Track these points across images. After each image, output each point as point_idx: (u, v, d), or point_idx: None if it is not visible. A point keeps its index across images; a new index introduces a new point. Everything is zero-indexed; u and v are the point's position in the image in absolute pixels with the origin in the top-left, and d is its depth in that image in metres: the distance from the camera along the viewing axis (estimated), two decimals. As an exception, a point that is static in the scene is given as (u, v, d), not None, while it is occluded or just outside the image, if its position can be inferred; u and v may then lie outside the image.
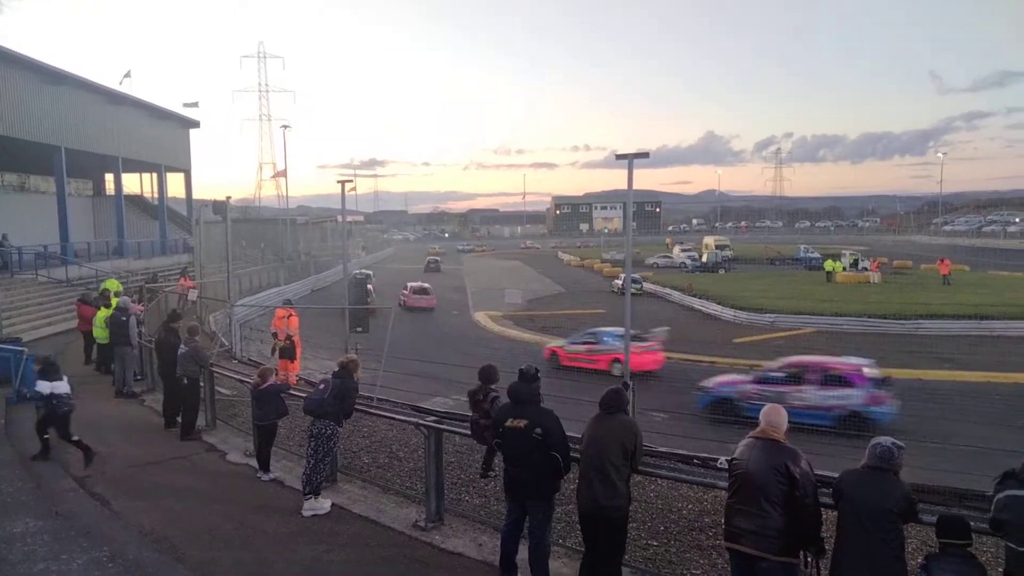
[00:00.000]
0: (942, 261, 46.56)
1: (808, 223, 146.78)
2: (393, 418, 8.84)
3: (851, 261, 49.94)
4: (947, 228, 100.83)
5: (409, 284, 42.01)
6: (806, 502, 4.33)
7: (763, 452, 4.47)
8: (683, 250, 71.26)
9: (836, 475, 4.53)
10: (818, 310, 32.00)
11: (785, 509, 4.32)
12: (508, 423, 5.65)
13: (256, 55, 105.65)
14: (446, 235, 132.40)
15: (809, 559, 4.42)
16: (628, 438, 5.23)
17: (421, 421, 7.63)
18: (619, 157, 11.10)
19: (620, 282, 42.76)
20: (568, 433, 5.71)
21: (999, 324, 28.27)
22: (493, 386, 6.71)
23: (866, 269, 48.32)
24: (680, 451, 8.31)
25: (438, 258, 71.94)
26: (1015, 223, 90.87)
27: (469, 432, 6.90)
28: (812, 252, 64.39)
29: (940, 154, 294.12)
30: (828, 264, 48.38)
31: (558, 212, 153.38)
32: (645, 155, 11.04)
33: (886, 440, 4.21)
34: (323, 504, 7.42)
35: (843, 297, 36.30)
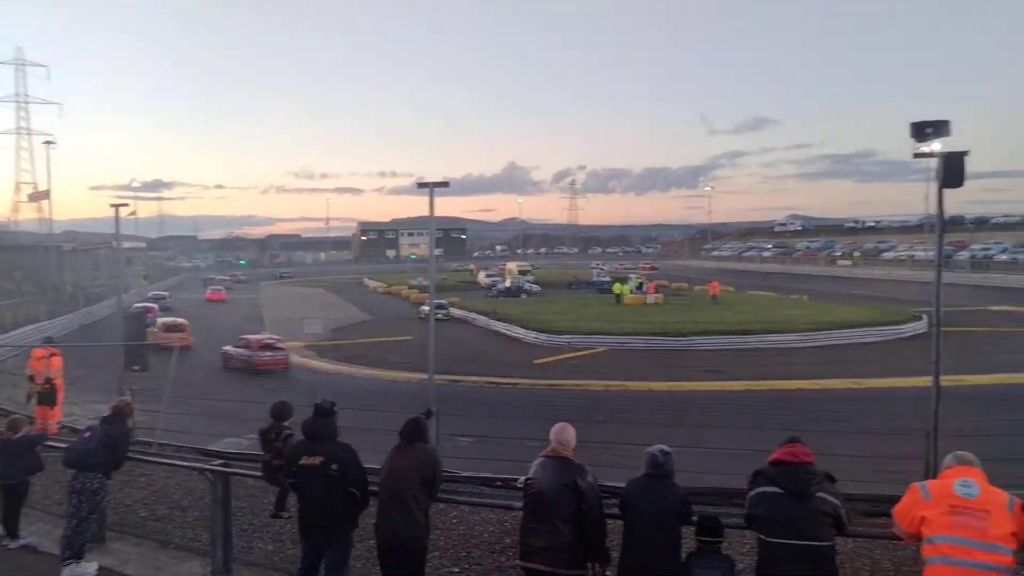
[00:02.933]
0: (711, 283, 52.34)
1: (600, 249, 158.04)
2: (174, 464, 8.05)
3: (636, 284, 54.41)
4: (715, 254, 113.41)
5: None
6: (592, 515, 4.58)
7: (554, 470, 4.66)
8: (488, 275, 73.33)
9: (623, 485, 4.85)
10: (609, 330, 34.36)
11: (575, 524, 4.53)
12: (302, 461, 5.38)
13: (13, 62, 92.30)
14: (242, 262, 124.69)
15: (596, 568, 4.67)
16: (427, 467, 5.21)
17: (206, 465, 7.02)
18: (420, 186, 11.21)
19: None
20: (368, 465, 5.56)
21: (756, 338, 32.21)
22: (287, 423, 6.37)
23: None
24: (483, 474, 8.44)
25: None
26: (769, 249, 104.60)
27: (261, 474, 6.48)
28: (604, 276, 69.29)
29: (708, 188, 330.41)
30: (616, 287, 52.37)
31: (364, 238, 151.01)
32: (445, 184, 11.25)
33: (654, 448, 4.59)
34: (87, 569, 6.53)
35: (630, 318, 39.30)
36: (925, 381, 10.51)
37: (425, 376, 13.76)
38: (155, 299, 49.46)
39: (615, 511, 4.77)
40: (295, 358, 31.73)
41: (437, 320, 39.33)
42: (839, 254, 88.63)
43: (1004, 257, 65.29)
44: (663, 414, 19.26)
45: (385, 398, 20.75)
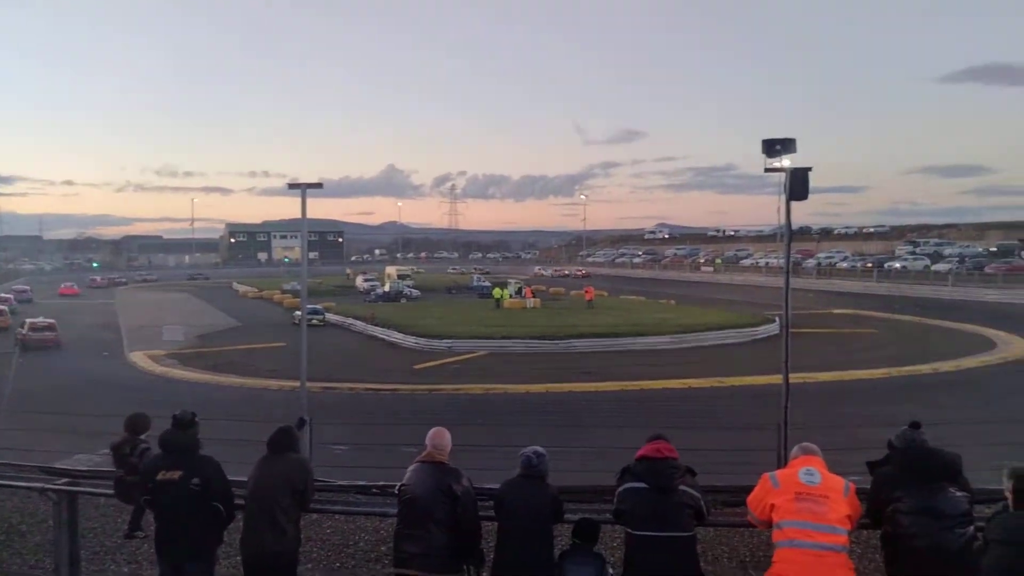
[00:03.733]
0: (587, 289, 54.03)
1: (480, 254, 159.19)
2: (10, 485, 7.29)
3: (516, 289, 55.23)
4: (590, 259, 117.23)
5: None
6: (468, 518, 4.60)
7: (429, 475, 4.64)
8: (366, 279, 71.90)
9: (498, 487, 4.90)
10: (489, 334, 34.64)
11: (449, 528, 4.53)
12: (160, 476, 5.04)
13: None
14: (95, 264, 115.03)
15: (471, 570, 4.70)
16: (298, 478, 5.03)
17: (48, 485, 6.42)
18: (292, 186, 10.83)
19: (301, 313, 41.53)
20: (235, 478, 5.29)
21: (628, 340, 33.56)
22: (143, 436, 5.94)
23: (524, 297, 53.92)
24: (360, 482, 8.25)
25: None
26: (639, 255, 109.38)
27: (113, 491, 6.00)
28: (484, 281, 69.83)
29: (583, 196, 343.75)
30: (496, 292, 52.94)
31: (233, 240, 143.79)
32: (319, 186, 10.93)
33: (528, 450, 4.69)
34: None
35: (510, 322, 39.79)
36: (777, 379, 11.36)
37: (298, 384, 13.26)
38: (13, 291, 47.53)
39: (491, 513, 4.82)
40: (156, 368, 29.74)
41: (312, 326, 38.50)
42: (703, 261, 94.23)
43: (845, 265, 72.06)
44: (541, 415, 19.67)
45: (255, 408, 19.85)
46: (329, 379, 24.14)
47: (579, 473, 9.04)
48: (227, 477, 5.22)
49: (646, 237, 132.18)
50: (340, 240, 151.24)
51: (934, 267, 62.70)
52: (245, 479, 5.26)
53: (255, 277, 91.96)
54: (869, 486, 4.37)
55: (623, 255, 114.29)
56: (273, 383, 25.41)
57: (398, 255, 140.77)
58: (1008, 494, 3.80)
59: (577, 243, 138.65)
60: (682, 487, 4.25)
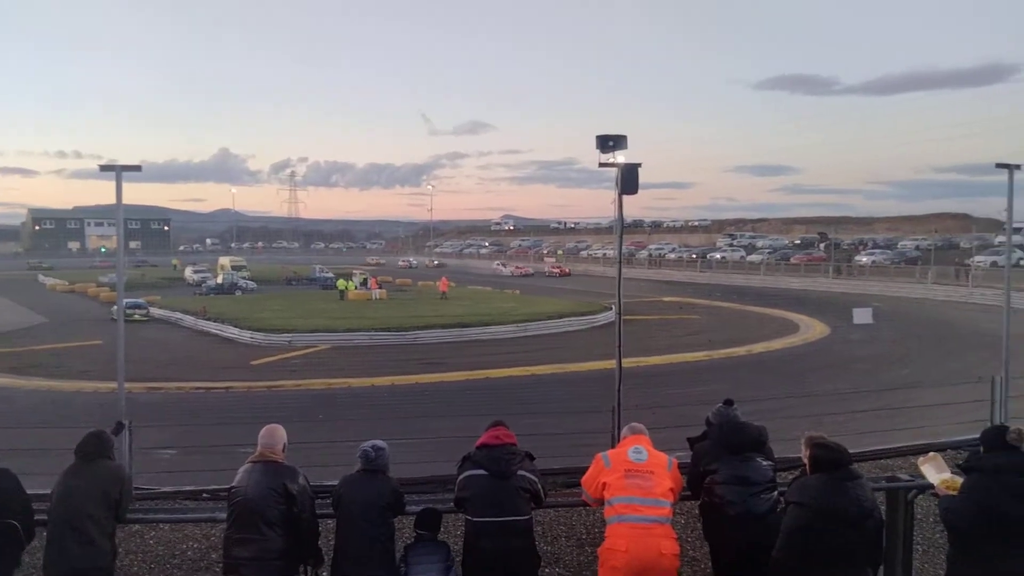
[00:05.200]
0: (442, 280, 53.95)
1: (323, 244, 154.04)
2: None
3: (361, 280, 54.05)
4: (437, 250, 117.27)
5: None
6: (303, 517, 4.43)
7: (261, 475, 4.42)
8: (196, 271, 67.18)
9: (336, 483, 4.76)
10: (332, 327, 33.65)
11: (285, 529, 4.34)
12: (-60, 495, 4.40)
13: None
14: None
15: (309, 571, 4.54)
16: (112, 486, 4.59)
17: None
18: (104, 169, 9.83)
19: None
20: (38, 491, 4.74)
21: (475, 331, 33.97)
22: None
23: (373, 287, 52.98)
24: (188, 487, 7.71)
25: None
26: (486, 246, 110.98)
27: None
28: (327, 272, 67.63)
29: (430, 186, 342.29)
30: (340, 283, 51.51)
31: (38, 227, 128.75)
32: (136, 168, 9.96)
33: (366, 444, 4.61)
34: None
35: (355, 314, 38.88)
36: (613, 363, 11.98)
37: (115, 385, 12.12)
38: None
39: (329, 510, 4.68)
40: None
41: (134, 321, 35.59)
42: (546, 252, 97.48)
43: (673, 256, 77.72)
44: (385, 408, 19.43)
45: (65, 413, 17.95)
46: (153, 379, 22.36)
47: (423, 464, 9.05)
48: (26, 491, 4.67)
49: (492, 228, 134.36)
50: (166, 228, 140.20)
51: (749, 258, 69.39)
52: (49, 492, 4.74)
53: (67, 269, 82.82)
54: (689, 460, 4.74)
55: (470, 246, 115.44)
56: (87, 385, 23.12)
57: (232, 245, 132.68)
58: (805, 461, 4.26)
59: (424, 233, 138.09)
60: (520, 472, 4.36)
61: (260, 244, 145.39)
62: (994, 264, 47.40)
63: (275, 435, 4.60)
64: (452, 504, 4.62)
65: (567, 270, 76.59)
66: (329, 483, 5.17)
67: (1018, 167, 11.33)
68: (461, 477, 4.42)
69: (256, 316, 36.41)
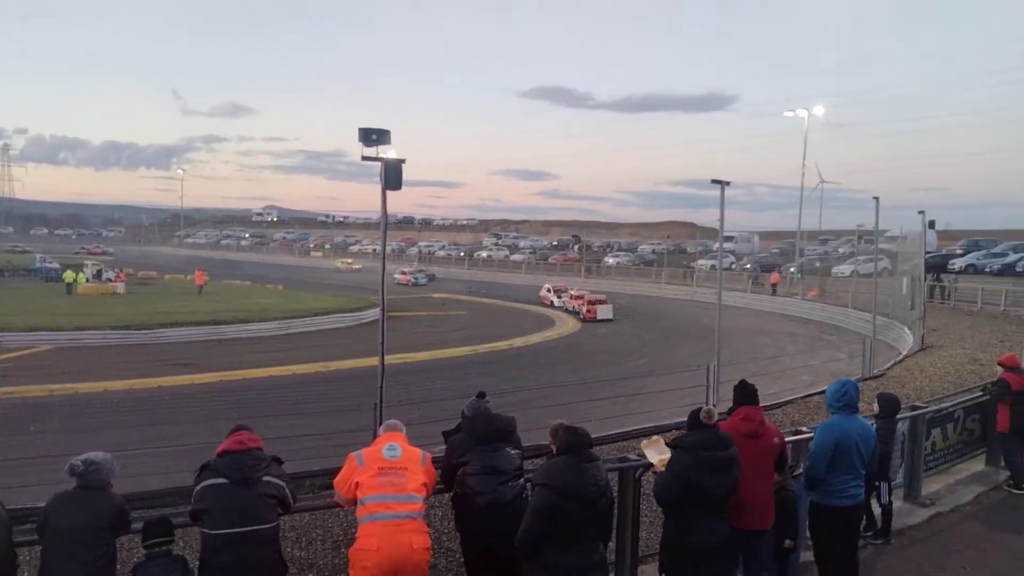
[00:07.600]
0: (198, 272, 49.21)
1: (47, 230, 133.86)
2: None
3: (95, 272, 47.80)
4: (189, 240, 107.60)
5: None
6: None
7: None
8: None
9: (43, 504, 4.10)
10: (57, 325, 29.40)
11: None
12: None
13: None
14: None
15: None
16: None
17: None
18: None
19: None
20: None
21: (232, 328, 31.67)
22: None
23: (110, 280, 47.06)
24: None
25: None
26: (246, 238, 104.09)
27: None
28: (51, 262, 58.75)
29: (181, 170, 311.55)
30: (68, 275, 45.09)
31: None
32: None
33: (77, 458, 4.01)
34: None
35: (86, 310, 34.35)
36: (377, 361, 11.87)
37: None
38: None
39: (33, 536, 4.02)
40: None
41: None
42: (312, 246, 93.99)
43: (442, 253, 79.52)
44: (119, 415, 17.35)
45: None
46: None
47: (159, 475, 8.25)
48: None
49: (253, 219, 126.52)
50: None
51: (512, 257, 73.16)
52: None
53: None
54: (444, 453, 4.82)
55: (228, 237, 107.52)
56: None
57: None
58: (552, 446, 4.54)
59: (174, 221, 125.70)
60: (266, 478, 4.11)
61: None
62: (712, 267, 54.93)
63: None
64: (187, 518, 4.21)
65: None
66: (39, 505, 4.45)
67: (728, 183, 13.22)
68: (199, 488, 4.05)
69: (-48, 312, 30.53)
